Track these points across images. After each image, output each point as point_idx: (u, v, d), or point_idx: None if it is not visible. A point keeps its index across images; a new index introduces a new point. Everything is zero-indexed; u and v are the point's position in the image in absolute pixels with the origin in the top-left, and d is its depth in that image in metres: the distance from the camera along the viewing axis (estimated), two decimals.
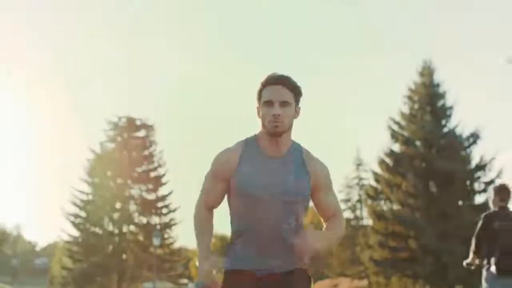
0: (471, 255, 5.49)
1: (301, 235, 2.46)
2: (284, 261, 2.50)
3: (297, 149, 2.55)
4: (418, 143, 26.00)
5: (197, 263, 2.50)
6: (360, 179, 39.38)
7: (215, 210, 2.64)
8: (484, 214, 5.50)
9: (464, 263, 5.61)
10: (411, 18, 72.18)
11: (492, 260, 5.26)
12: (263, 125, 2.49)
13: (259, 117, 2.52)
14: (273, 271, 2.49)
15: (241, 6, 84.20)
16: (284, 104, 2.45)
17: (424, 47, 64.57)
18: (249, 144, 2.54)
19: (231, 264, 2.55)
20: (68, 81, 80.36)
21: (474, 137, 25.64)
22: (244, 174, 2.47)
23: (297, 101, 2.51)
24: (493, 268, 5.24)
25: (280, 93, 2.45)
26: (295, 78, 2.54)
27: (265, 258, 2.49)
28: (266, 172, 2.47)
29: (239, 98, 62.93)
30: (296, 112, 2.52)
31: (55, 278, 47.09)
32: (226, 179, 2.52)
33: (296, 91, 2.50)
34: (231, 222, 2.57)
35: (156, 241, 26.32)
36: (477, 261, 5.49)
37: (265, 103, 2.46)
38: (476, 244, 5.46)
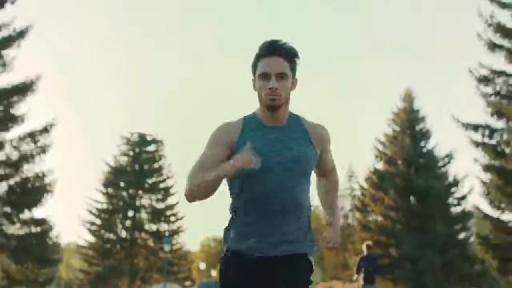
0: (355, 275, 12.18)
1: (330, 228, 2.49)
2: (291, 238, 2.32)
3: (295, 119, 2.41)
4: (399, 162, 27.73)
5: (214, 175, 2.23)
6: (352, 189, 41.01)
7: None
8: (359, 257, 11.23)
9: (353, 278, 11.31)
10: (411, 18, 73.82)
11: (361, 276, 11.98)
12: (260, 98, 2.33)
13: (255, 90, 2.35)
14: (277, 253, 2.31)
15: (241, 6, 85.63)
16: (281, 76, 2.28)
17: (424, 47, 65.77)
18: (248, 118, 2.40)
19: (231, 245, 2.36)
20: (69, 84, 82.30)
21: (449, 157, 27.57)
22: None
23: (293, 71, 2.34)
24: (361, 281, 11.96)
25: (277, 65, 2.28)
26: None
27: (269, 236, 2.30)
28: (270, 141, 2.31)
29: (241, 102, 62.71)
30: (293, 84, 2.35)
31: (62, 280, 49.40)
32: (227, 146, 2.33)
33: (293, 62, 2.33)
34: (232, 202, 2.39)
35: (166, 247, 27.65)
36: (358, 278, 12.05)
37: (261, 76, 2.30)
38: (356, 270, 12.00)
